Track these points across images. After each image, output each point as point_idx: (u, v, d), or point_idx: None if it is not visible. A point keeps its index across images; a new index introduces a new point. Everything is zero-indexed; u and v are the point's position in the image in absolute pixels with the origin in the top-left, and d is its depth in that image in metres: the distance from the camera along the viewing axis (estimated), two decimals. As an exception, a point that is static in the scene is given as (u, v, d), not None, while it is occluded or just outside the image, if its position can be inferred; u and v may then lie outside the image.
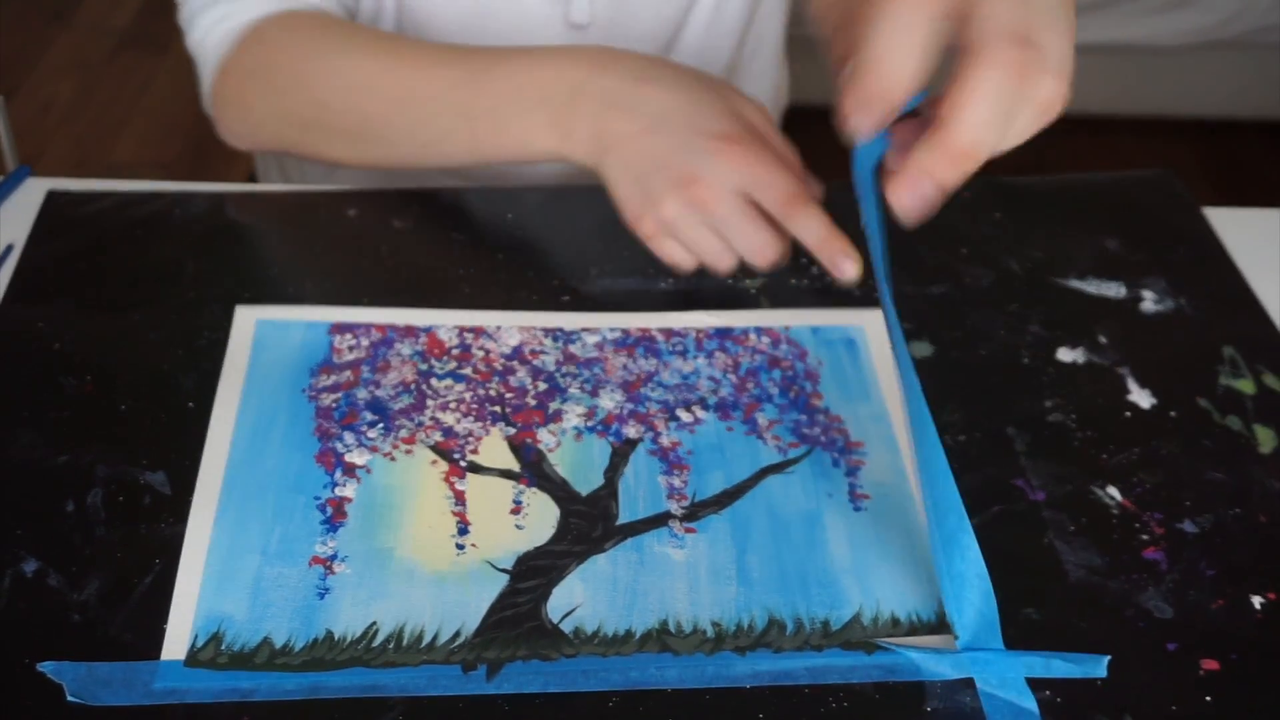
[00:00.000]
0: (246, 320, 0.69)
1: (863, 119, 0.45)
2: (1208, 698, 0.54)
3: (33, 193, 0.78)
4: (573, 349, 0.69)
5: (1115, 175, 0.84)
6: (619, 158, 0.65)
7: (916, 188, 0.45)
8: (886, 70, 0.43)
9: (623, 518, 0.61)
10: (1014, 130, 0.43)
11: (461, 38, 0.84)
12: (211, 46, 0.78)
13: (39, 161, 1.88)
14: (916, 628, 0.56)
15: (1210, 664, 0.55)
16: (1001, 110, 0.42)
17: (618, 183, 0.66)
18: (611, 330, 0.71)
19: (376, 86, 0.72)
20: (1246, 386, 0.69)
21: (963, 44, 0.42)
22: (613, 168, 0.66)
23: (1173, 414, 0.66)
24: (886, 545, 0.59)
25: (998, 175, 0.84)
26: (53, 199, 0.78)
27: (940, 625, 0.56)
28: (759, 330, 0.71)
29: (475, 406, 0.66)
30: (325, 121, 0.74)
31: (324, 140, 0.75)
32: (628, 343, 0.70)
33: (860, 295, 0.74)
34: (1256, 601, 0.58)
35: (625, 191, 0.66)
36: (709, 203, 0.63)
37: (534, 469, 0.63)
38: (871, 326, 0.72)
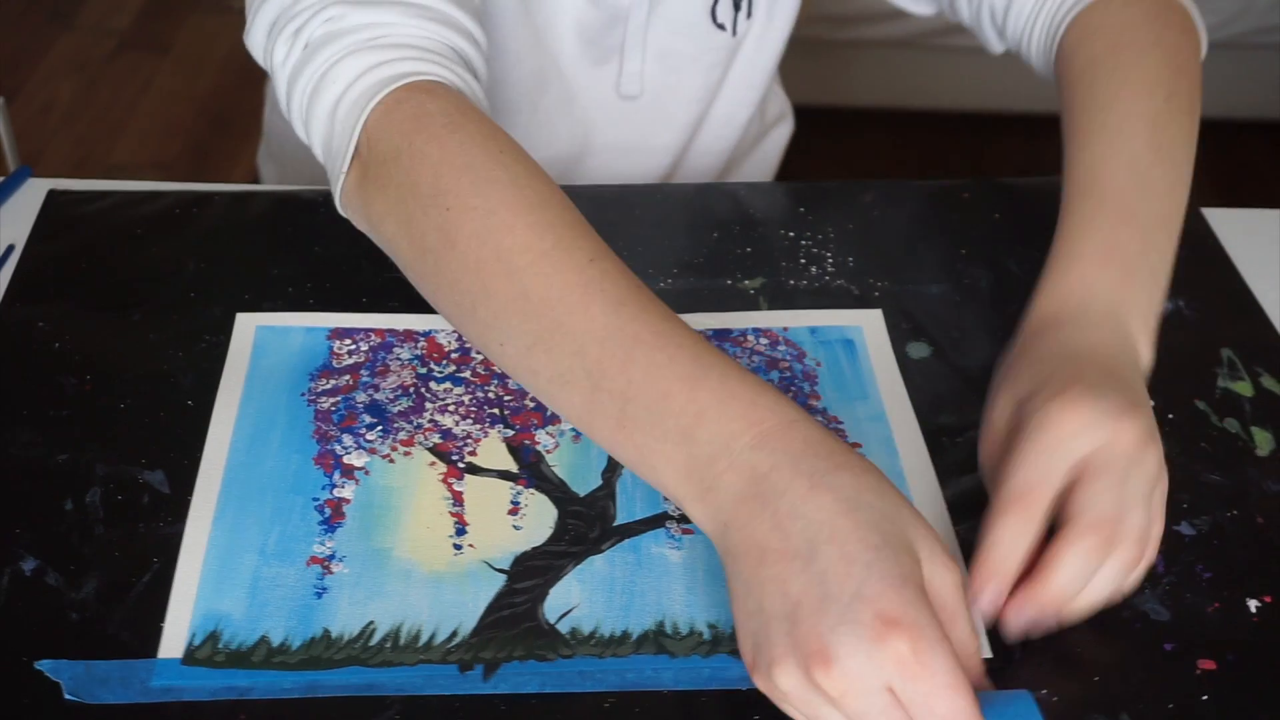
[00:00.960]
0: (247, 326, 0.70)
1: (984, 595, 0.53)
2: (1205, 697, 0.54)
3: (33, 193, 0.79)
4: (571, 350, 0.69)
5: (1115, 177, 0.84)
6: (744, 569, 0.50)
7: (1017, 619, 0.54)
8: (998, 558, 0.53)
9: (620, 519, 0.61)
10: (1099, 581, 0.54)
11: (522, 108, 0.83)
12: (350, 105, 0.61)
13: (39, 162, 1.88)
14: (912, 629, 0.56)
15: (1207, 664, 0.55)
16: (1082, 575, 0.53)
17: (735, 598, 0.51)
18: (610, 331, 0.71)
19: (516, 274, 0.56)
20: (1244, 389, 0.69)
21: (1063, 518, 0.54)
22: (735, 578, 0.51)
23: (1170, 416, 0.66)
24: (883, 547, 0.59)
25: (997, 176, 0.84)
26: (53, 198, 0.78)
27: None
28: (757, 331, 0.71)
29: (474, 409, 0.66)
30: (435, 259, 0.59)
31: (429, 278, 0.61)
32: (626, 344, 0.70)
33: (859, 295, 0.74)
34: (1252, 605, 0.58)
35: (741, 615, 0.51)
36: (839, 698, 0.47)
37: (532, 470, 0.63)
38: (869, 326, 0.72)
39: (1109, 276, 0.61)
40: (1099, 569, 0.54)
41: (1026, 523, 0.53)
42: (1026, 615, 0.54)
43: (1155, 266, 0.63)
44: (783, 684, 0.48)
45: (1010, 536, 0.53)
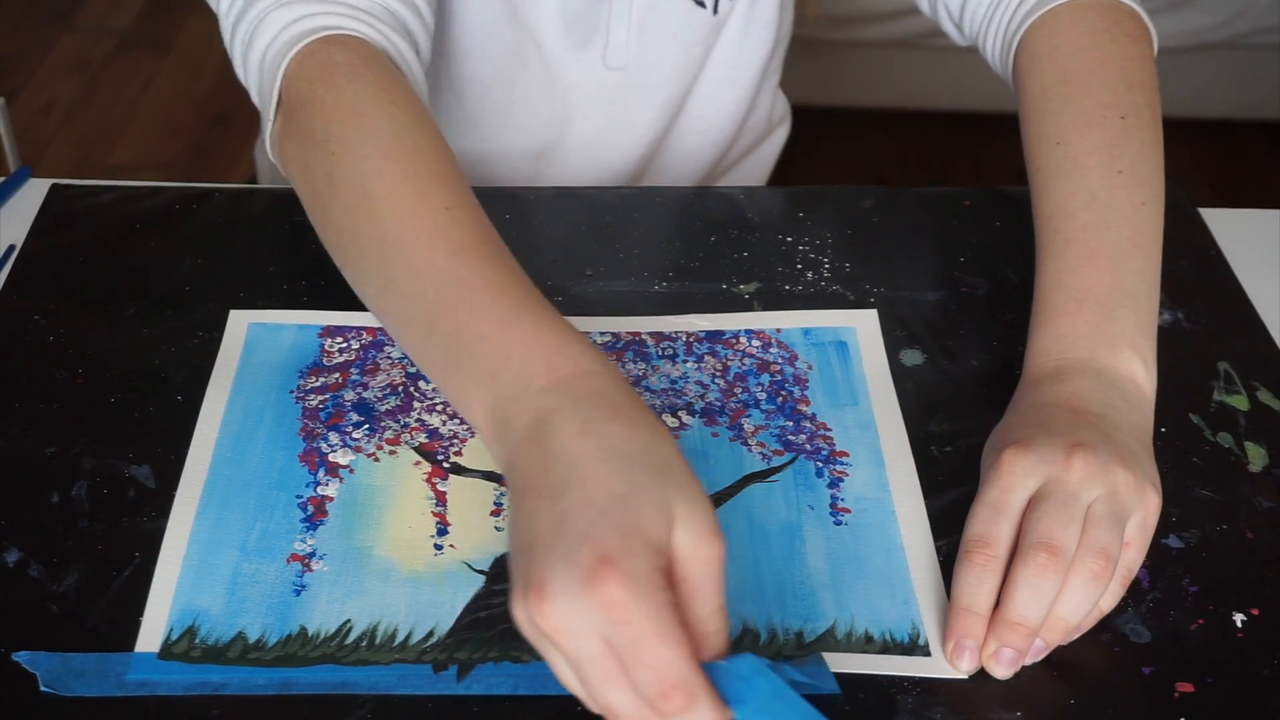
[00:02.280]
0: (239, 323, 0.70)
1: (960, 658, 0.55)
2: (1182, 719, 0.53)
3: (33, 193, 0.79)
4: (562, 351, 0.69)
5: (1120, 185, 0.83)
6: (513, 505, 0.50)
7: (997, 656, 0.55)
8: (962, 606, 0.55)
9: (602, 522, 0.61)
10: (1069, 600, 0.54)
11: (499, 84, 0.84)
12: (274, 54, 0.65)
13: (40, 162, 1.89)
14: (889, 646, 0.56)
15: (1185, 687, 0.54)
16: (1040, 595, 0.54)
17: (508, 533, 0.51)
18: (601, 334, 0.71)
19: (377, 218, 0.58)
20: (1240, 403, 0.68)
21: (1018, 547, 0.56)
22: (509, 514, 0.51)
23: (1163, 429, 0.66)
24: (864, 562, 0.59)
25: (998, 184, 0.83)
26: (56, 192, 0.79)
27: (913, 646, 0.56)
28: (750, 333, 0.71)
29: (461, 407, 0.66)
30: (323, 200, 0.61)
31: (319, 220, 0.62)
32: (617, 346, 0.70)
33: (854, 301, 0.74)
34: (1238, 619, 0.57)
35: (510, 550, 0.50)
36: (553, 635, 0.47)
37: (516, 471, 0.63)
38: (863, 327, 0.72)
39: (1084, 324, 0.62)
40: (1063, 588, 0.54)
41: (983, 569, 0.55)
42: (1004, 647, 0.54)
43: (1135, 290, 0.63)
44: (516, 616, 0.48)
45: (973, 582, 0.55)
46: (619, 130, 0.88)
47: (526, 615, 0.47)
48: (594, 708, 0.47)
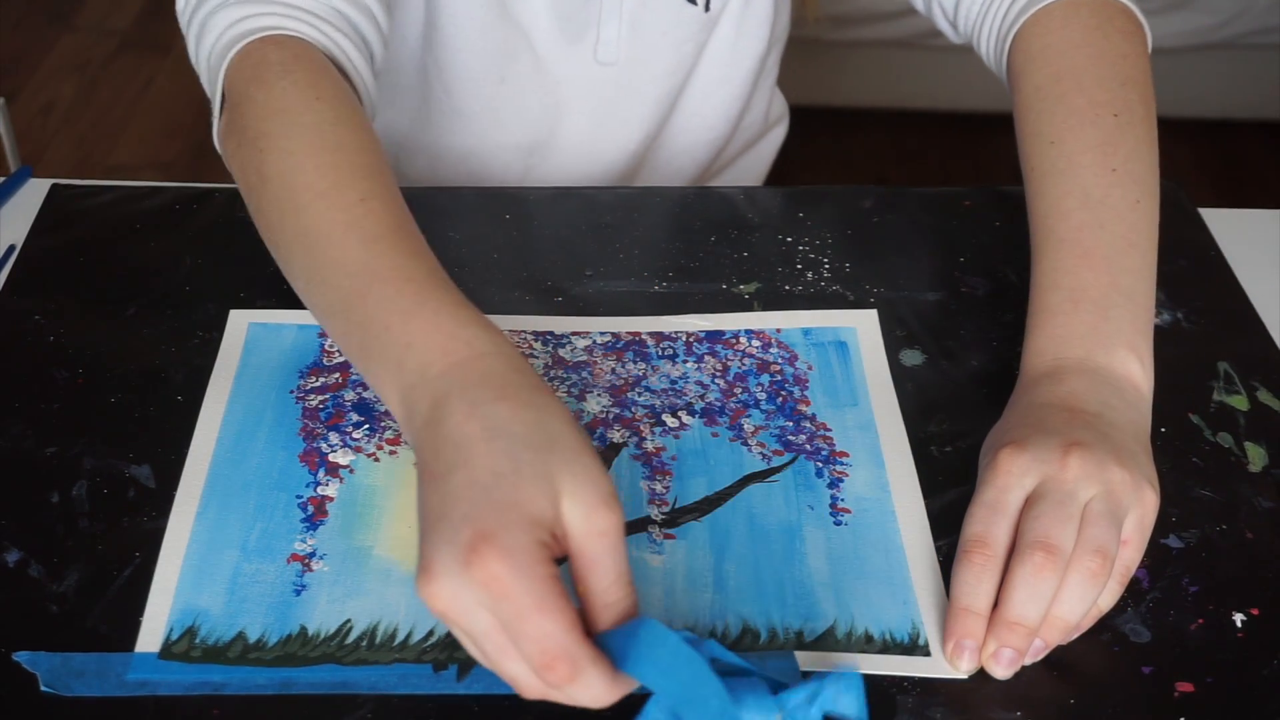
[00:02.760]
0: (240, 323, 0.70)
1: (960, 658, 0.55)
2: (1182, 718, 0.53)
3: (34, 193, 0.79)
4: (562, 353, 0.70)
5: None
6: (417, 488, 0.51)
7: (997, 656, 0.55)
8: (961, 606, 0.55)
9: (602, 522, 0.61)
10: (1068, 598, 0.54)
11: (489, 78, 0.84)
12: (218, 53, 0.66)
13: (40, 162, 1.89)
14: (889, 646, 0.56)
15: (1185, 686, 0.54)
16: (1038, 594, 0.54)
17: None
18: (601, 334, 0.71)
19: (300, 211, 0.59)
20: (1240, 403, 0.68)
21: (1015, 547, 0.56)
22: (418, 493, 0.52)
23: (1163, 429, 0.66)
24: (864, 562, 0.59)
25: (998, 184, 0.83)
26: (56, 192, 0.79)
27: (913, 646, 0.56)
28: (750, 333, 0.71)
29: (461, 407, 0.66)
30: (256, 196, 0.62)
31: (254, 215, 0.64)
32: (617, 346, 0.70)
33: (854, 301, 0.74)
34: (1238, 619, 0.57)
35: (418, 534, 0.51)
36: (444, 614, 0.48)
37: (516, 471, 0.63)
38: (863, 327, 0.72)
39: (1079, 324, 0.62)
40: (1061, 587, 0.54)
41: (981, 569, 0.55)
42: (1003, 647, 0.54)
43: (1131, 289, 0.63)
44: (420, 590, 0.49)
45: (971, 582, 0.55)
46: (611, 127, 0.88)
47: (421, 597, 0.48)
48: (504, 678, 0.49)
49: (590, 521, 0.48)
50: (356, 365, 0.56)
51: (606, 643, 0.48)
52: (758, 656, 0.53)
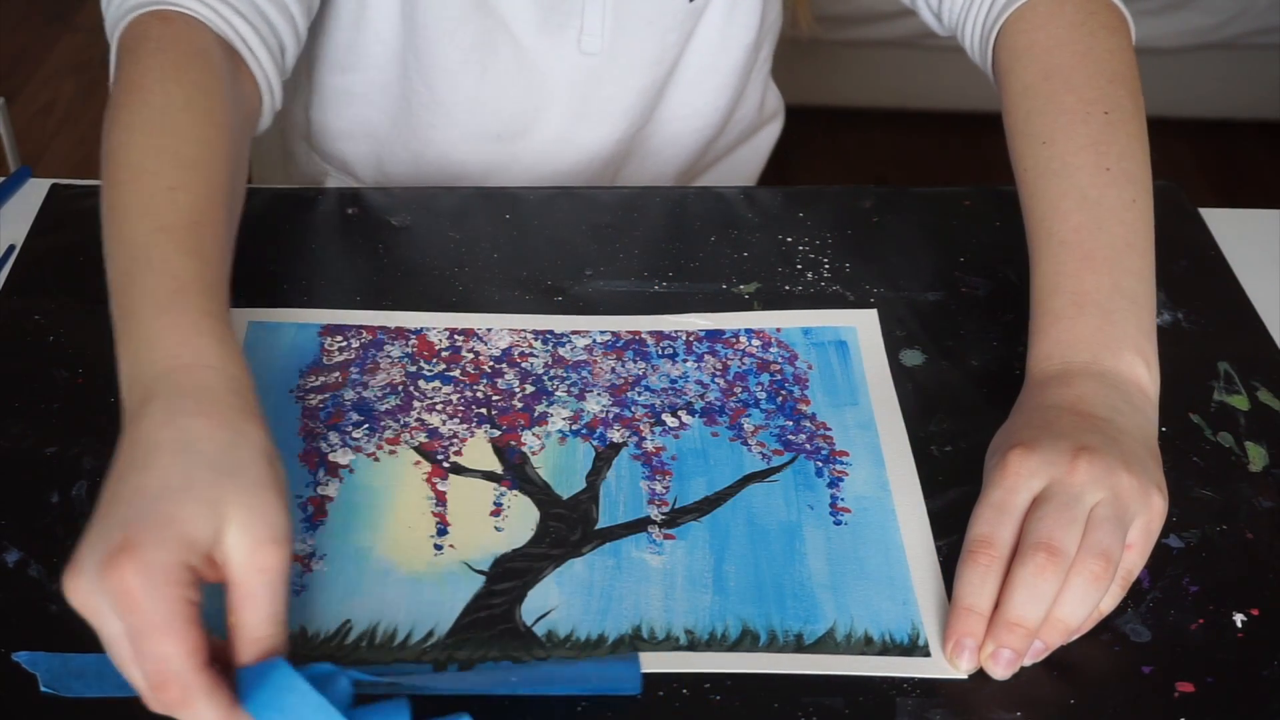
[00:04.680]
0: (239, 322, 0.70)
1: (959, 657, 0.55)
2: (1181, 719, 0.53)
3: (34, 194, 0.79)
4: (562, 352, 0.69)
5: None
6: (107, 476, 0.52)
7: (996, 656, 0.54)
8: (964, 606, 0.55)
9: (602, 522, 0.61)
10: (1069, 600, 0.54)
11: (470, 69, 0.85)
12: (111, 25, 0.68)
13: (40, 163, 1.89)
14: (889, 647, 0.56)
15: (1186, 687, 0.54)
16: (1039, 595, 0.54)
17: None
18: (601, 333, 0.71)
19: (117, 187, 0.60)
20: (1240, 403, 0.68)
21: (1018, 547, 0.55)
22: None
23: (1164, 429, 0.66)
24: (864, 562, 0.59)
25: (998, 184, 0.83)
26: (56, 192, 0.79)
27: (913, 646, 0.56)
28: (750, 332, 0.71)
29: (461, 408, 0.66)
30: (101, 165, 0.62)
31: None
32: (617, 345, 0.70)
33: (854, 301, 0.74)
34: (1238, 619, 0.57)
35: None
36: (81, 610, 0.48)
37: (517, 471, 0.63)
38: (863, 327, 0.72)
39: (1085, 328, 0.62)
40: (1063, 589, 0.54)
41: (986, 569, 0.55)
42: (1002, 648, 0.54)
43: (1133, 291, 0.63)
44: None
45: (975, 582, 0.55)
46: (595, 116, 0.88)
47: (63, 588, 0.48)
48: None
49: (253, 556, 0.49)
50: (116, 342, 0.56)
51: (241, 677, 0.49)
52: (598, 660, 0.53)
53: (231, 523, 0.49)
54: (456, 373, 0.68)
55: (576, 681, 0.53)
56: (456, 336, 0.70)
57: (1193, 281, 0.76)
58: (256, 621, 0.49)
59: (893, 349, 0.71)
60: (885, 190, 0.83)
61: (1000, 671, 0.54)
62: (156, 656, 0.47)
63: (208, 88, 0.64)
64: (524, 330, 0.71)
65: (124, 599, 0.47)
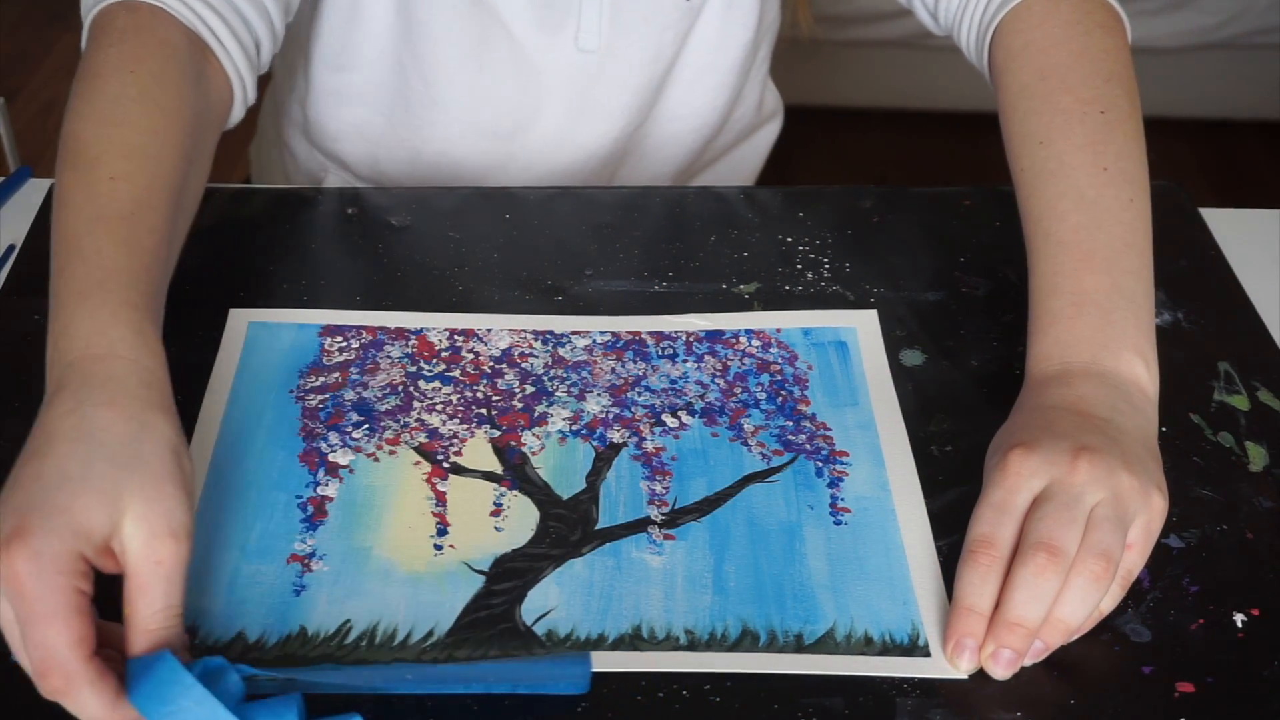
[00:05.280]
0: (239, 322, 0.70)
1: (960, 657, 0.55)
2: (1182, 719, 0.53)
3: (33, 193, 0.79)
4: (562, 352, 0.69)
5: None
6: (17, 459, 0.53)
7: (996, 656, 0.54)
8: (965, 607, 0.55)
9: (602, 523, 0.61)
10: (1070, 600, 0.54)
11: (466, 66, 0.85)
12: (85, 12, 0.68)
13: (40, 162, 1.88)
14: (889, 647, 0.56)
15: (1186, 687, 0.54)
16: (1039, 595, 0.54)
17: None
18: (601, 333, 0.71)
19: (62, 170, 0.61)
20: (1240, 403, 0.68)
21: (1019, 547, 0.55)
22: None
23: (1164, 429, 0.66)
24: (864, 562, 0.59)
25: (998, 184, 0.83)
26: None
27: (913, 647, 0.56)
28: (750, 333, 0.71)
29: (461, 409, 0.66)
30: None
31: None
32: (617, 346, 0.70)
33: (854, 301, 0.74)
34: (1239, 619, 0.57)
35: None
36: None
37: (516, 472, 0.63)
38: (864, 327, 0.72)
39: (1084, 328, 0.62)
40: (1064, 589, 0.54)
41: (987, 569, 0.55)
42: (1002, 648, 0.54)
43: (1132, 291, 0.63)
44: None
45: (976, 582, 0.55)
46: (592, 114, 0.88)
47: None
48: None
49: (150, 548, 0.49)
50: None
51: (130, 668, 0.49)
52: (550, 660, 0.54)
53: (128, 514, 0.49)
54: (456, 373, 0.68)
55: (522, 679, 0.53)
56: (456, 337, 0.70)
57: (1193, 281, 0.76)
58: (150, 614, 0.50)
59: (893, 349, 0.71)
60: (885, 190, 0.83)
61: (1000, 671, 0.54)
62: (42, 644, 0.47)
63: (165, 79, 0.64)
64: (524, 330, 0.71)
65: (12, 585, 0.47)
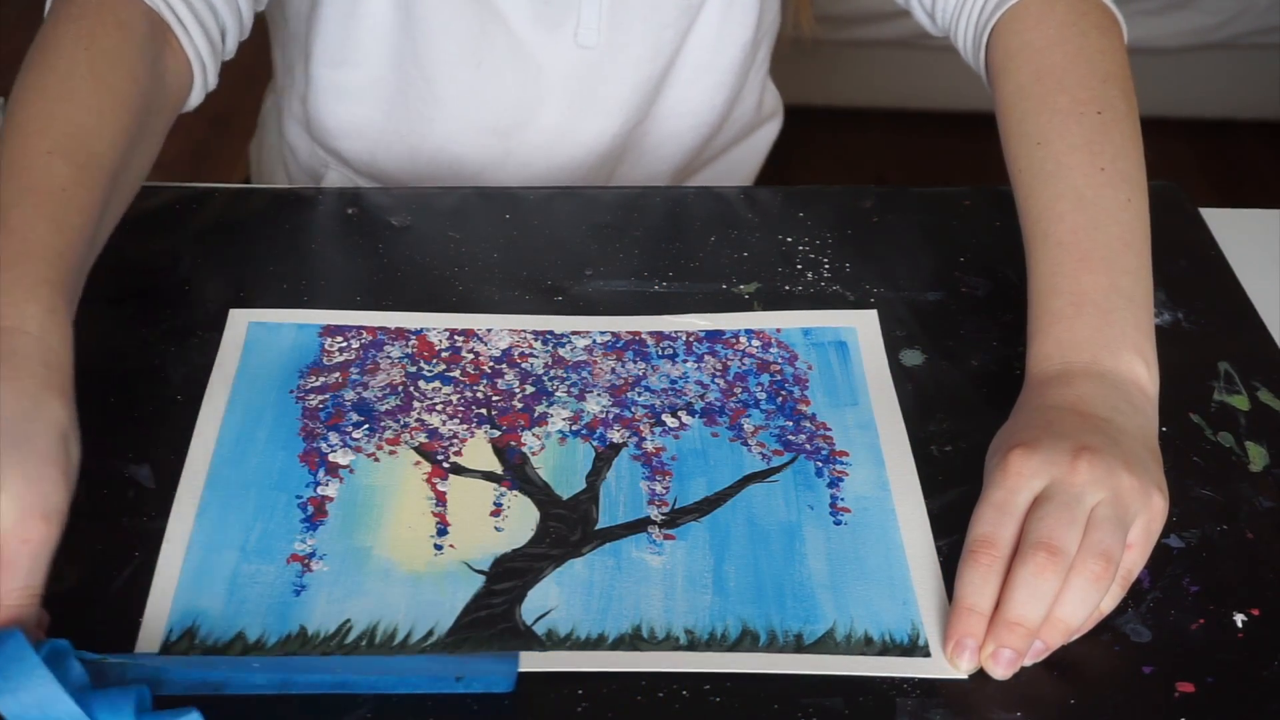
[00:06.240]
0: (239, 322, 0.70)
1: (960, 657, 0.55)
2: (1182, 719, 0.53)
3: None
4: (562, 352, 0.69)
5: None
6: None
7: (996, 656, 0.54)
8: (965, 607, 0.55)
9: (602, 523, 0.61)
10: (1070, 600, 0.54)
11: (466, 62, 0.85)
12: None
13: None
14: (889, 648, 0.56)
15: (1186, 687, 0.54)
16: (1039, 595, 0.54)
17: None
18: (601, 333, 0.71)
19: (3, 143, 0.61)
20: (1240, 403, 0.68)
21: (1019, 547, 0.55)
22: None
23: (1164, 429, 0.66)
24: (864, 562, 0.59)
25: (998, 184, 0.83)
26: (56, 192, 0.79)
27: (913, 647, 0.56)
28: (750, 333, 0.71)
29: (461, 409, 0.66)
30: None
31: None
32: (617, 346, 0.70)
33: (854, 301, 0.74)
34: (1239, 619, 0.57)
35: None
36: None
37: (516, 472, 0.63)
38: (864, 327, 0.72)
39: (1084, 328, 0.62)
40: (1064, 589, 0.54)
41: (987, 569, 0.55)
42: (1002, 647, 0.54)
43: (1131, 291, 0.63)
44: None
45: (977, 582, 0.55)
46: (591, 110, 0.88)
47: None
48: None
49: (20, 525, 0.49)
50: None
51: None
52: (475, 659, 0.53)
53: (5, 490, 0.49)
54: (456, 373, 0.68)
55: (443, 676, 0.53)
56: (456, 337, 0.70)
57: (1193, 281, 0.76)
58: (8, 589, 0.50)
59: (893, 349, 0.71)
60: (885, 190, 0.83)
61: (1000, 671, 0.54)
62: None
63: (117, 57, 0.64)
64: (524, 330, 0.71)
65: None
